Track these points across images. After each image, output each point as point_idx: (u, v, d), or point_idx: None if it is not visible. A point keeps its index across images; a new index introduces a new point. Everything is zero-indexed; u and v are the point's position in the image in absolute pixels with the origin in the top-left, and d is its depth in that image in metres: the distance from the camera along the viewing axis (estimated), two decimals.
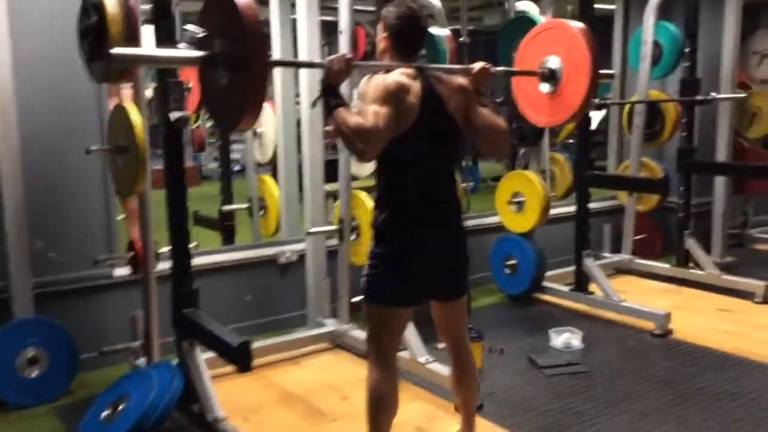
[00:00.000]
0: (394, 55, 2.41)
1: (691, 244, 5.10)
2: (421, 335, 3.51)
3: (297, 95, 4.41)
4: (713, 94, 4.93)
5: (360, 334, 3.88)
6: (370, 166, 3.96)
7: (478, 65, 2.54)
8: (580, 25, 2.93)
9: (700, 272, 5.02)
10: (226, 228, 5.02)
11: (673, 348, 3.92)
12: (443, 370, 3.31)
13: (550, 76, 2.91)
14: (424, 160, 2.36)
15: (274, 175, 4.77)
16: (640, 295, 4.63)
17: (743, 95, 5.25)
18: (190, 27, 2.29)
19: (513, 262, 4.72)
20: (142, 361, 3.41)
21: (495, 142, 2.49)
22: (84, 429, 2.90)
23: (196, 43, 2.31)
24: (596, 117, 7.27)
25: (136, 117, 2.98)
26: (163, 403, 2.77)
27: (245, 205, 4.90)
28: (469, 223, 5.15)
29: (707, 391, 3.33)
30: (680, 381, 3.45)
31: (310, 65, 2.40)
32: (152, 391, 2.80)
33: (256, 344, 3.52)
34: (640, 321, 4.22)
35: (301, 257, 4.31)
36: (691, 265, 5.16)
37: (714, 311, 4.56)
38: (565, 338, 3.92)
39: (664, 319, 4.09)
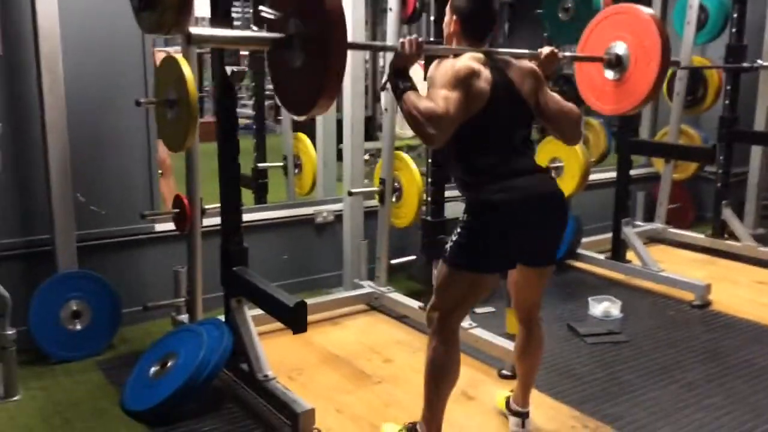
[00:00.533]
0: (462, 40, 2.37)
1: (729, 215, 5.03)
2: None
3: None
4: (759, 61, 4.81)
5: (398, 297, 3.87)
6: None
7: (546, 50, 2.52)
8: (650, 11, 2.88)
9: (737, 243, 4.97)
10: (259, 186, 4.97)
11: (713, 319, 3.90)
12: (484, 334, 3.30)
13: (617, 63, 2.86)
14: (502, 136, 2.30)
15: (310, 134, 4.71)
16: (675, 265, 4.59)
17: None
18: (264, 9, 2.22)
19: None
20: (184, 317, 3.42)
21: (568, 128, 2.46)
22: (131, 385, 2.90)
23: (265, 24, 2.24)
24: None
25: (187, 70, 2.91)
26: (214, 361, 2.77)
27: (280, 163, 4.84)
28: None
29: (753, 364, 3.31)
30: (724, 353, 3.43)
31: (383, 48, 2.34)
32: (202, 348, 2.79)
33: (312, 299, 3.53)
34: (679, 291, 4.19)
35: (338, 217, 4.28)
36: (726, 236, 5.10)
37: (751, 283, 4.52)
38: (605, 307, 3.90)
39: (704, 290, 4.06)
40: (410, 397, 2.95)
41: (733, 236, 5.06)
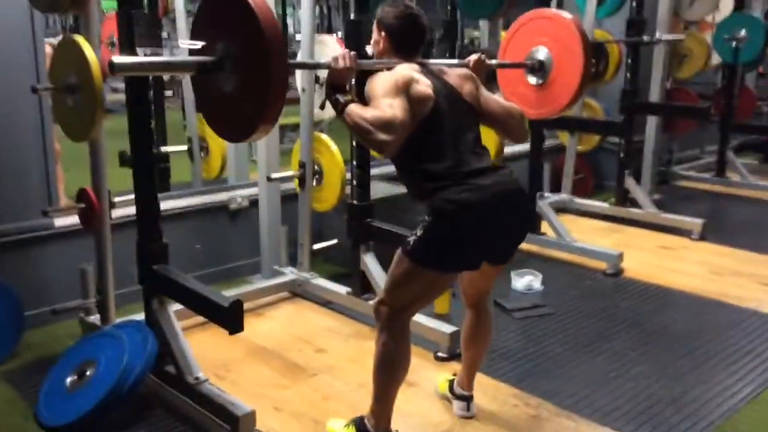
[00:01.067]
0: (394, 56, 2.33)
1: (631, 184, 5.22)
2: None
3: None
4: (659, 34, 4.98)
5: (323, 282, 3.77)
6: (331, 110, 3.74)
7: (473, 58, 2.53)
8: (570, 15, 2.94)
9: (639, 211, 5.17)
10: (161, 171, 4.68)
11: (628, 287, 4.03)
12: (417, 317, 3.23)
13: (540, 68, 2.91)
14: (453, 138, 2.22)
15: None
16: (583, 234, 4.71)
17: (683, 37, 5.34)
18: (183, 43, 2.07)
19: None
20: (94, 318, 3.16)
21: (514, 126, 2.45)
22: (46, 398, 2.66)
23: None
24: None
25: (90, 52, 2.65)
26: (139, 366, 2.57)
27: (185, 147, 4.57)
28: None
29: (671, 330, 3.44)
30: (642, 320, 3.55)
31: (317, 66, 2.26)
32: (125, 354, 2.59)
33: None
34: (592, 261, 4.30)
35: (253, 203, 4.10)
36: (628, 203, 5.29)
37: (657, 249, 4.72)
38: (527, 280, 3.95)
39: (617, 258, 4.19)
40: (350, 388, 2.87)
41: (634, 204, 5.26)
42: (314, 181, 3.74)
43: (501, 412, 2.70)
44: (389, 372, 2.33)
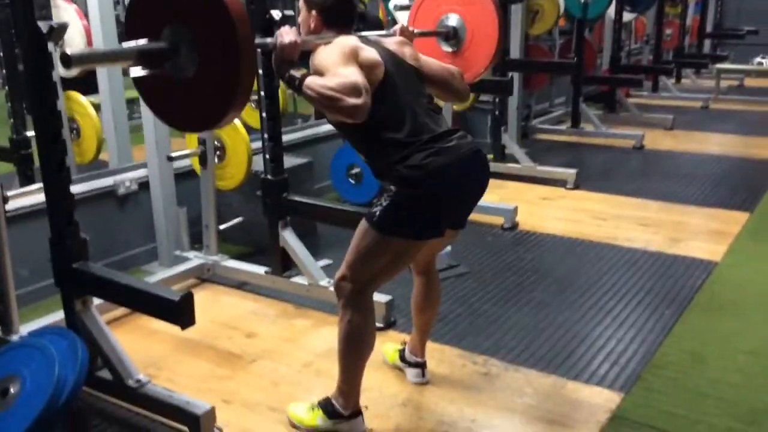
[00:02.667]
0: (328, 33, 2.24)
1: (508, 140, 5.43)
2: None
3: None
4: None
5: (234, 263, 3.59)
6: None
7: (397, 27, 2.55)
8: None
9: (517, 165, 5.39)
10: (22, 158, 4.21)
11: (526, 239, 4.21)
12: None
13: (454, 35, 2.93)
14: (410, 103, 2.17)
15: (84, 92, 4.06)
16: None
17: None
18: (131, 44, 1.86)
19: (357, 170, 4.63)
20: None
21: (457, 84, 2.43)
22: None
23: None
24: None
25: None
26: (73, 377, 2.29)
27: None
28: (306, 132, 4.96)
29: (578, 275, 3.64)
30: (551, 269, 3.73)
31: (262, 45, 2.09)
32: (54, 365, 2.31)
33: None
34: (489, 217, 4.44)
35: (142, 185, 3.80)
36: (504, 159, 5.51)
37: (538, 200, 4.96)
38: None
39: (513, 213, 4.36)
40: (295, 369, 2.79)
41: (510, 159, 5.48)
42: (216, 158, 3.52)
43: (452, 374, 2.74)
44: (357, 348, 2.28)
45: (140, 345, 2.95)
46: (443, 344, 2.94)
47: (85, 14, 3.79)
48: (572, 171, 5.16)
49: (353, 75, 1.97)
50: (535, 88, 6.80)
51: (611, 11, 7.05)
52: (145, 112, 3.56)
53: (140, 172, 3.81)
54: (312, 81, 1.97)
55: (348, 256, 2.22)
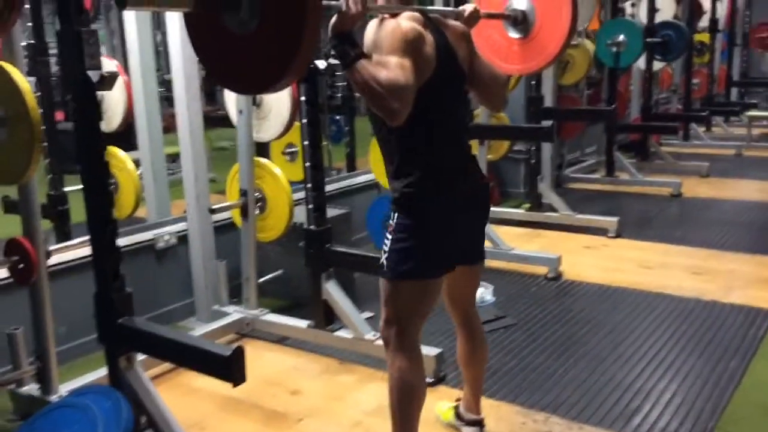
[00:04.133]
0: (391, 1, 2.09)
1: (545, 188, 5.33)
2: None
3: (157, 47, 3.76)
4: None
5: (274, 317, 3.49)
6: (275, 130, 3.49)
7: (468, 7, 2.29)
8: None
9: (556, 214, 5.28)
10: (60, 214, 4.17)
11: (572, 289, 4.07)
12: None
13: (522, 20, 2.78)
14: (447, 115, 2.10)
15: (123, 146, 4.04)
16: (509, 242, 4.72)
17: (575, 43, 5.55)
18: None
19: None
20: (30, 388, 2.73)
21: (499, 93, 2.32)
22: None
23: None
24: None
25: (21, 78, 2.28)
26: None
27: None
28: (342, 183, 4.90)
29: (632, 327, 3.48)
30: (603, 320, 3.58)
31: (326, 7, 1.95)
32: (97, 427, 2.21)
33: None
34: (531, 266, 4.31)
35: (180, 239, 3.74)
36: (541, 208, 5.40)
37: (581, 249, 4.82)
38: (479, 293, 3.86)
39: (556, 262, 4.23)
40: (343, 427, 2.65)
41: (547, 208, 5.37)
42: (257, 209, 3.46)
43: None
44: (411, 397, 2.17)
45: (182, 403, 2.83)
46: (498, 400, 2.79)
47: (125, 70, 3.81)
48: (613, 219, 5.03)
49: (405, 73, 1.84)
50: (568, 137, 6.73)
51: (640, 61, 7.03)
52: (186, 165, 3.52)
53: (179, 226, 3.75)
54: (363, 65, 1.83)
55: (382, 306, 2.18)
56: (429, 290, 2.14)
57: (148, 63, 3.66)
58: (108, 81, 2.17)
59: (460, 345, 2.47)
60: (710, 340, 3.29)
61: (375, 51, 1.91)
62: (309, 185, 3.13)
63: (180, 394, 2.92)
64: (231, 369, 2.08)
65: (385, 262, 2.10)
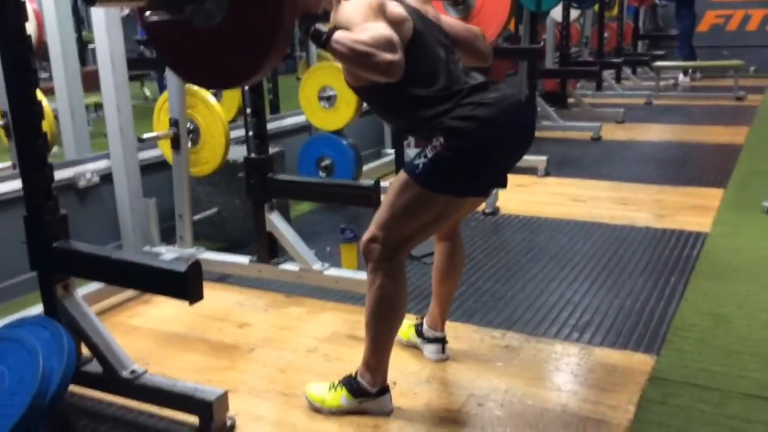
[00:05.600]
0: None
1: None
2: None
3: None
4: None
5: (212, 255, 3.32)
6: None
7: None
8: None
9: None
10: None
11: (510, 222, 4.09)
12: (342, 273, 3.01)
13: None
14: (444, 60, 2.01)
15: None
16: None
17: None
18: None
19: (327, 162, 4.41)
20: None
21: (480, 48, 2.25)
22: None
23: None
24: None
25: None
26: (59, 369, 2.01)
27: None
28: (273, 125, 4.72)
29: (574, 252, 3.52)
30: (546, 248, 3.60)
31: None
32: (38, 357, 2.02)
33: (82, 290, 2.74)
34: None
35: (104, 177, 3.49)
36: None
37: (513, 187, 4.73)
38: None
39: (493, 197, 4.22)
40: (300, 355, 2.56)
41: None
42: (189, 141, 3.26)
43: (471, 349, 2.56)
44: (388, 318, 2.08)
45: (122, 342, 2.60)
46: (454, 321, 2.74)
47: None
48: (542, 158, 5.08)
49: (385, 29, 1.80)
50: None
51: (555, 13, 7.14)
52: (107, 95, 3.26)
53: (102, 163, 3.50)
54: (342, 35, 1.79)
55: (380, 214, 2.02)
56: (452, 211, 2.05)
57: None
58: None
59: (439, 260, 2.42)
60: (648, 261, 3.36)
61: (348, 28, 1.84)
62: (248, 110, 2.96)
63: (119, 334, 2.70)
64: (188, 286, 1.94)
65: (420, 167, 1.92)
